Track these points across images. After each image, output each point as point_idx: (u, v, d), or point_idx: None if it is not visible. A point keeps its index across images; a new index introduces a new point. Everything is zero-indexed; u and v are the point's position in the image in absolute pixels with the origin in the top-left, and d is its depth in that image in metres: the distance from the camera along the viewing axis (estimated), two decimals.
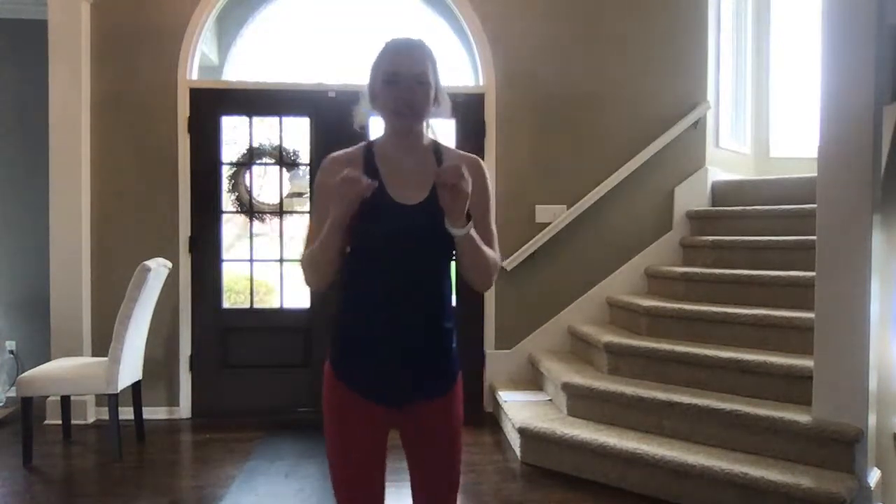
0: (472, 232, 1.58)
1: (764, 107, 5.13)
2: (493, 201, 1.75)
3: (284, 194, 4.53)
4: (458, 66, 4.82)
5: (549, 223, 4.41)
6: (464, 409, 1.76)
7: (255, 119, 4.43)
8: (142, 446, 3.78)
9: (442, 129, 4.64)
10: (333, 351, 1.72)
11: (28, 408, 3.46)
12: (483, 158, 4.35)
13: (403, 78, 1.60)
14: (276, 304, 4.53)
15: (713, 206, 4.57)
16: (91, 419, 4.22)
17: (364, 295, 1.67)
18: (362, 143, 1.75)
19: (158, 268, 3.71)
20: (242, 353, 4.42)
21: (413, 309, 1.66)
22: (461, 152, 1.76)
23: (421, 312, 1.67)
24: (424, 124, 1.70)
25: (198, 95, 4.31)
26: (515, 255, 4.37)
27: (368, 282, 1.66)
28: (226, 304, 4.50)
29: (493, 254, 1.69)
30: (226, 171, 4.43)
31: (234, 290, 4.87)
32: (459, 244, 1.58)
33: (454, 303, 1.76)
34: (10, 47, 4.69)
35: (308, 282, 1.69)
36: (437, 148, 1.73)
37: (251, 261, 4.46)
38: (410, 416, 1.70)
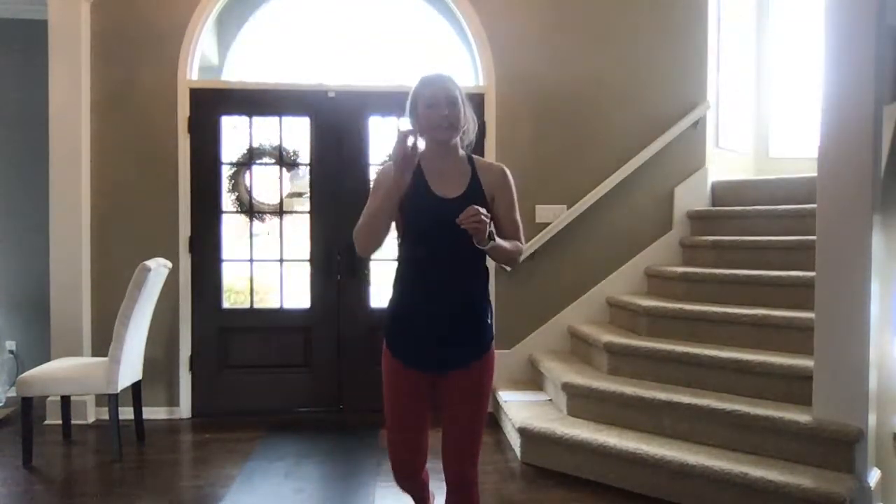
0: (497, 241, 1.97)
1: (764, 107, 5.13)
2: (515, 197, 2.16)
3: (284, 194, 4.52)
4: (459, 66, 4.82)
5: (549, 223, 4.41)
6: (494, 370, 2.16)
7: (255, 119, 4.43)
8: (142, 446, 3.78)
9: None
10: (386, 330, 2.14)
11: (28, 408, 3.46)
12: (483, 158, 4.39)
13: (440, 101, 2.03)
14: (276, 304, 4.53)
15: (713, 206, 4.57)
16: (91, 419, 4.22)
17: (411, 278, 2.09)
18: None
19: (158, 268, 3.71)
20: (242, 353, 4.42)
21: (452, 286, 2.06)
22: (490, 162, 2.21)
23: (458, 290, 2.07)
24: (459, 139, 2.10)
25: (198, 95, 4.31)
26: None
27: (415, 263, 2.08)
28: (226, 304, 4.49)
29: (513, 246, 2.09)
30: (226, 171, 4.43)
31: (234, 290, 4.87)
32: (488, 251, 1.99)
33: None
34: (10, 47, 4.69)
35: (359, 246, 2.06)
36: (470, 158, 2.16)
37: (251, 261, 4.46)
38: (447, 379, 2.08)
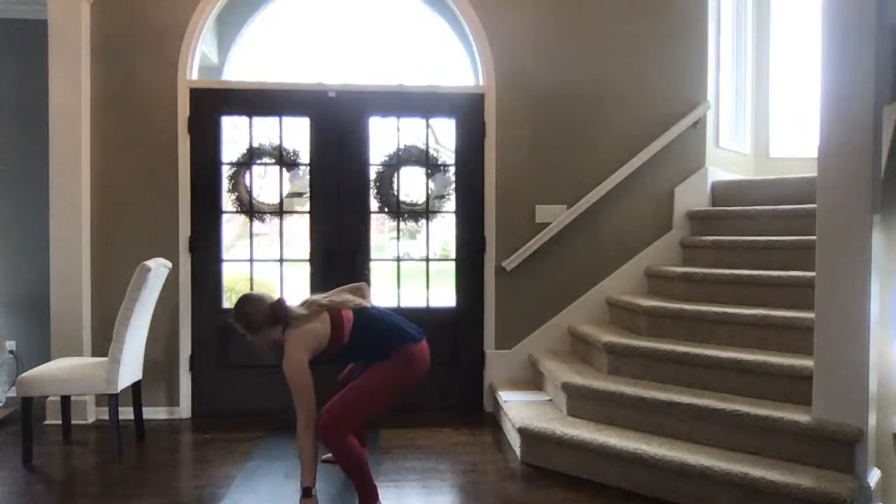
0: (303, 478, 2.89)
1: (764, 107, 5.13)
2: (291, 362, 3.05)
3: (284, 194, 4.52)
4: (458, 66, 4.82)
5: (549, 223, 4.41)
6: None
7: (255, 119, 4.43)
8: (142, 446, 3.78)
9: (442, 129, 4.69)
10: None
11: (28, 408, 3.46)
12: (483, 158, 4.42)
13: None
14: None
15: (713, 206, 4.57)
16: (91, 419, 4.22)
17: None
18: None
19: (158, 268, 3.71)
20: (243, 353, 4.40)
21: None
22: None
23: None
24: (266, 335, 3.19)
25: (198, 95, 4.32)
26: (515, 255, 4.37)
27: None
28: (226, 304, 4.48)
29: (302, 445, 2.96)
30: (226, 171, 4.43)
31: (234, 290, 4.85)
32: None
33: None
34: (10, 47, 4.69)
35: None
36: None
37: (251, 261, 4.46)
38: None
